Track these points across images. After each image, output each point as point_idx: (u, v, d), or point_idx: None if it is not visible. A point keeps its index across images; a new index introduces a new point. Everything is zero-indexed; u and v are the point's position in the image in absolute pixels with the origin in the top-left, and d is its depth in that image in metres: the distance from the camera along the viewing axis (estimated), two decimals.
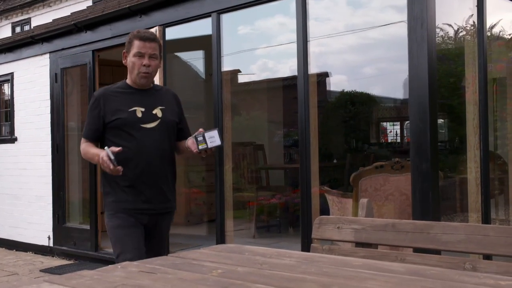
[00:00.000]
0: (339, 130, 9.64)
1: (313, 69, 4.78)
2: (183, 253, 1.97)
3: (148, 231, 3.10)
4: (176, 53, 8.68)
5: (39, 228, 7.35)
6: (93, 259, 6.56)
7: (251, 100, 9.61)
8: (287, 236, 6.73)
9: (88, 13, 7.19)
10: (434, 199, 3.77)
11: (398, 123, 11.56)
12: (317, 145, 4.72)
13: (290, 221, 6.94)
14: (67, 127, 7.13)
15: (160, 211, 3.12)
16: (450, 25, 6.01)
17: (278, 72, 9.07)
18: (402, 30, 4.05)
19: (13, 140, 7.83)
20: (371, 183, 4.69)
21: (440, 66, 6.24)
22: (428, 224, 2.11)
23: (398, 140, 11.38)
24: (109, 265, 1.67)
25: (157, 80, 5.32)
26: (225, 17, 5.27)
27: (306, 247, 4.39)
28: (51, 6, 16.00)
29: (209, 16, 5.30)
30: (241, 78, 8.79)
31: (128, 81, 3.15)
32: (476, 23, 4.44)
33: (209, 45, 5.38)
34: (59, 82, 7.08)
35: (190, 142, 3.08)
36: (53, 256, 7.12)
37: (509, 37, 5.37)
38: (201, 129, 3.06)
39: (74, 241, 6.86)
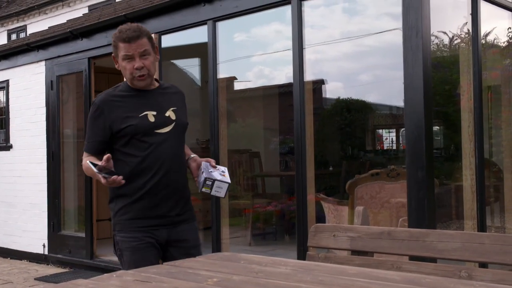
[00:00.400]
0: (335, 137, 9.66)
1: (309, 76, 4.79)
2: (178, 261, 1.97)
3: (168, 245, 2.72)
4: (172, 61, 8.69)
5: (34, 236, 7.31)
6: (89, 267, 6.53)
7: (247, 107, 9.62)
8: (283, 243, 6.72)
9: (84, 20, 7.20)
10: (429, 207, 3.78)
11: (394, 130, 11.60)
12: (313, 152, 4.72)
13: (286, 229, 6.93)
14: (62, 135, 7.11)
15: (178, 222, 2.73)
16: (445, 33, 6.05)
17: (274, 79, 9.10)
18: (397, 38, 4.07)
19: (8, 147, 7.81)
20: (367, 190, 4.70)
21: (435, 73, 6.27)
22: (424, 232, 2.12)
23: (394, 147, 11.41)
24: (105, 274, 1.66)
25: None
26: (221, 25, 5.29)
27: (302, 255, 4.39)
28: (47, 14, 16.00)
29: (205, 24, 5.32)
30: (237, 85, 8.80)
31: (129, 82, 2.77)
32: (470, 31, 4.47)
33: (205, 52, 5.39)
34: (55, 89, 7.08)
35: (194, 166, 2.78)
36: (48, 264, 7.09)
37: (504, 45, 5.40)
38: (212, 162, 2.77)
39: (69, 249, 6.83)
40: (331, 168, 8.65)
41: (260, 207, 7.08)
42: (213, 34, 5.25)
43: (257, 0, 4.93)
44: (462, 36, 4.85)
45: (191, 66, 9.27)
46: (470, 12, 4.44)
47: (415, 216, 3.79)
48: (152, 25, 5.76)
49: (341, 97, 9.86)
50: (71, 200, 7.26)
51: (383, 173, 4.75)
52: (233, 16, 5.16)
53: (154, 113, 2.70)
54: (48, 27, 8.26)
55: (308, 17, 4.71)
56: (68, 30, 6.74)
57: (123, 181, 2.51)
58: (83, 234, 6.70)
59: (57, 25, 8.16)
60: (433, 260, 2.25)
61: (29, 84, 7.50)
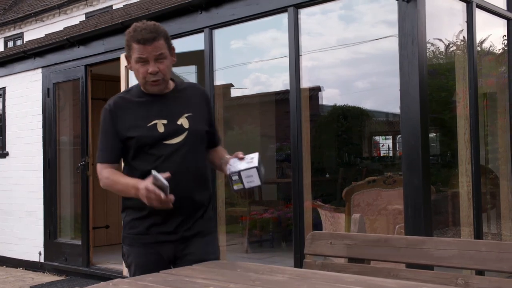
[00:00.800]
0: (332, 144, 9.66)
1: (305, 83, 4.80)
2: (175, 269, 1.97)
3: (176, 259, 2.52)
4: None
5: (30, 243, 7.29)
6: (85, 275, 6.50)
7: (243, 114, 9.62)
8: (280, 250, 6.71)
9: (81, 28, 7.21)
10: (426, 214, 3.78)
11: (391, 137, 11.63)
12: (309, 159, 4.72)
13: (283, 236, 6.92)
14: (59, 142, 7.10)
15: (187, 237, 2.50)
16: (440, 40, 6.07)
17: (270, 86, 9.11)
18: (393, 45, 4.09)
19: (4, 155, 7.79)
20: (363, 197, 4.70)
21: (431, 80, 6.29)
22: (421, 239, 2.12)
23: (391, 154, 11.43)
24: (101, 282, 1.66)
25: None
26: (217, 32, 5.30)
27: (298, 262, 4.38)
28: (44, 21, 16.00)
29: (202, 31, 5.33)
30: (234, 92, 8.81)
31: (142, 86, 2.51)
32: (466, 38, 4.49)
33: (201, 59, 5.40)
34: (51, 96, 7.07)
35: (225, 168, 2.43)
36: (44, 272, 7.05)
37: (499, 52, 5.43)
38: (240, 154, 2.43)
39: (65, 257, 6.80)
40: (327, 175, 8.65)
41: (257, 214, 7.08)
42: (210, 42, 5.26)
43: (254, 8, 4.94)
44: (458, 43, 4.87)
45: (188, 73, 9.27)
46: (465, 19, 4.46)
47: (412, 223, 3.79)
48: None
49: (338, 104, 9.88)
50: (68, 207, 7.23)
51: (379, 180, 4.75)
52: (229, 24, 5.17)
53: (165, 121, 2.44)
54: (45, 35, 8.28)
55: (304, 24, 4.72)
56: (65, 37, 6.74)
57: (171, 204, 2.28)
58: (79, 242, 6.68)
59: (53, 32, 8.17)
60: (430, 267, 2.25)
61: (25, 91, 7.49)
